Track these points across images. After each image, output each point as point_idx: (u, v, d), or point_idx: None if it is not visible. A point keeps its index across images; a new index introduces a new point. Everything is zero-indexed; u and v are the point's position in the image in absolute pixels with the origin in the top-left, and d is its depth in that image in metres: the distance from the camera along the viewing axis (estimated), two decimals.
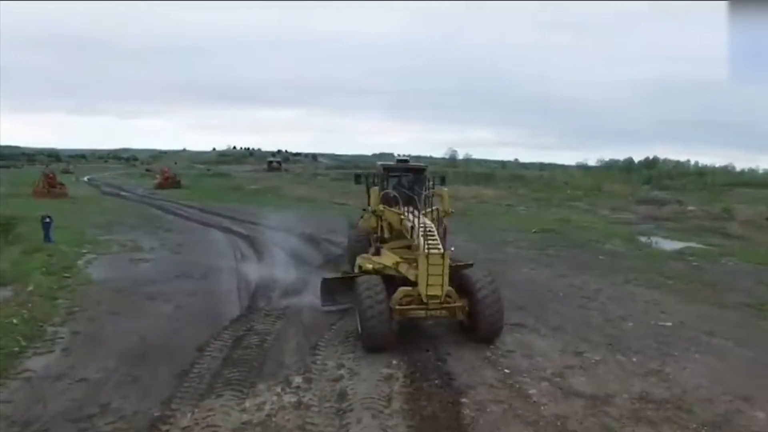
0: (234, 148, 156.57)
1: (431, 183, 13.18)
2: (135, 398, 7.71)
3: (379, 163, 14.51)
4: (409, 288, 9.89)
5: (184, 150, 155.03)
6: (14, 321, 10.26)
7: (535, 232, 23.65)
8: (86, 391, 7.93)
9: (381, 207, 12.60)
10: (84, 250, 17.14)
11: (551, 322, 11.43)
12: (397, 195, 12.55)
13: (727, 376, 9.04)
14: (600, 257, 18.73)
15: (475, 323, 9.87)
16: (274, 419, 7.26)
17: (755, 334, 11.26)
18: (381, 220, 12.92)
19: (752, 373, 9.28)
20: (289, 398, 7.85)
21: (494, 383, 8.44)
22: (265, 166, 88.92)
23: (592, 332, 10.92)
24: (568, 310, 12.37)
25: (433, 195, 12.44)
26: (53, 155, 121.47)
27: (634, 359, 9.66)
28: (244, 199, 39.77)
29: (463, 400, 7.91)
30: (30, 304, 11.32)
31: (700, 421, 7.53)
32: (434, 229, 10.38)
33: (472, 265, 12.63)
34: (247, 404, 7.63)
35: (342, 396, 7.95)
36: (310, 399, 7.85)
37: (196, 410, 7.38)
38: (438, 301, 9.57)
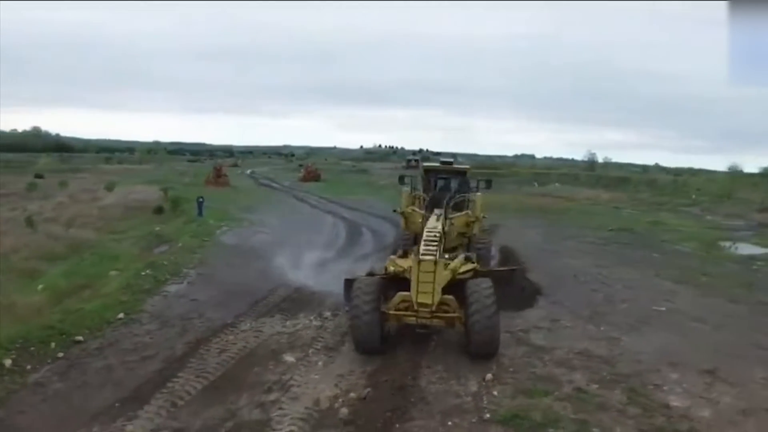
0: (379, 146, 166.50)
1: (476, 186, 14.09)
2: (221, 312, 11.85)
3: (422, 164, 15.55)
4: (407, 293, 9.52)
5: (335, 147, 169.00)
6: (164, 263, 15.34)
7: (610, 230, 24.34)
8: (194, 306, 12.36)
9: (409, 209, 12.97)
10: (223, 224, 22.69)
11: (554, 298, 13.38)
12: (435, 197, 13.08)
13: (675, 349, 10.43)
14: (654, 255, 19.39)
15: (468, 337, 9.44)
16: (299, 332, 10.87)
17: (743, 323, 12.12)
18: (409, 222, 13.08)
19: (702, 349, 10.47)
20: (315, 323, 11.42)
21: None
22: (404, 163, 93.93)
23: (583, 308, 12.72)
24: (579, 291, 14.13)
25: (465, 199, 13.01)
26: (228, 151, 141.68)
27: (602, 328, 11.46)
28: (371, 193, 44.32)
29: (435, 337, 10.70)
30: (176, 255, 16.44)
31: (614, 372, 9.37)
32: (439, 234, 10.31)
33: (514, 270, 13.23)
34: (287, 323, 11.37)
35: None
36: (329, 325, 11.32)
37: (254, 322, 11.29)
38: (428, 309, 9.30)
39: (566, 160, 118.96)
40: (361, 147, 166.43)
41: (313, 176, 55.71)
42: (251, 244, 19.15)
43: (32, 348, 9.51)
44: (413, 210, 12.95)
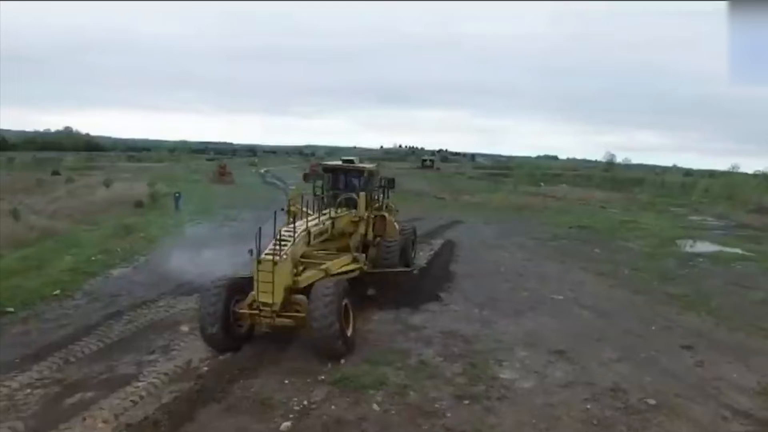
0: (400, 146, 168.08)
1: (380, 185, 14.55)
2: (147, 291, 13.30)
3: (321, 163, 15.45)
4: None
5: (355, 147, 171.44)
6: (119, 250, 16.92)
7: (570, 228, 25.01)
8: (129, 286, 13.85)
9: (293, 207, 12.74)
10: (196, 218, 24.29)
11: (461, 286, 14.40)
12: (333, 196, 13.48)
13: (542, 332, 11.26)
14: (596, 250, 20.06)
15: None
16: None
17: (630, 312, 12.95)
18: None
19: (569, 332, 11.33)
20: None
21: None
22: (419, 164, 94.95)
23: (482, 296, 13.64)
24: (490, 282, 15.07)
25: (350, 199, 13.28)
26: (252, 150, 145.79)
27: (485, 313, 12.39)
28: None
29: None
30: (135, 244, 18.04)
31: (467, 349, 10.27)
32: (293, 234, 10.29)
33: (410, 271, 13.72)
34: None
35: None
36: None
37: (172, 300, 12.69)
38: (270, 309, 9.37)
39: (590, 161, 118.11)
40: (381, 147, 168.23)
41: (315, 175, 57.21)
42: (211, 235, 20.53)
43: None
44: (299, 209, 12.56)
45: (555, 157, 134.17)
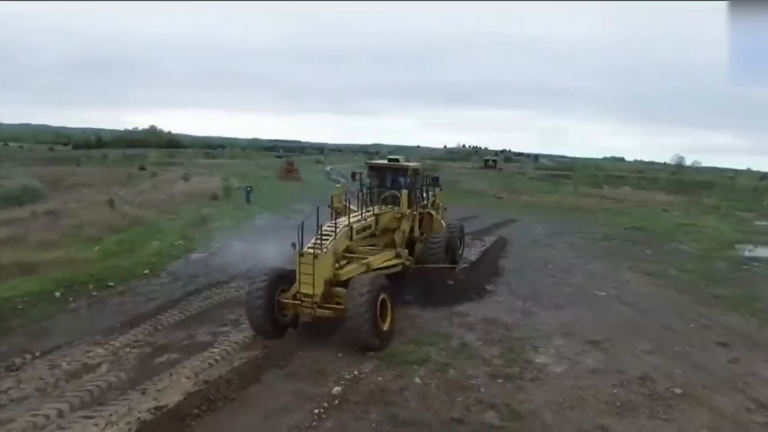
0: (463, 146, 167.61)
1: (425, 182, 14.92)
2: (221, 274, 14.99)
3: (367, 162, 15.91)
4: None
5: (419, 147, 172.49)
6: (196, 237, 18.88)
7: (625, 228, 24.88)
8: (205, 268, 15.64)
9: (340, 204, 13.09)
10: (264, 210, 26.14)
11: (507, 279, 15.15)
12: (377, 193, 13.80)
13: (580, 323, 11.90)
14: (647, 251, 20.01)
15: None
16: None
17: (671, 309, 13.21)
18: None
19: (606, 325, 11.86)
20: None
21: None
22: (482, 164, 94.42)
23: (526, 289, 14.33)
24: (535, 276, 15.69)
25: (393, 196, 13.61)
26: (320, 149, 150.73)
27: (527, 304, 13.09)
28: None
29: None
30: (210, 232, 19.99)
31: (506, 335, 11.10)
32: (335, 229, 10.77)
33: (453, 268, 14.18)
34: None
35: None
36: None
37: (242, 282, 14.23)
38: (311, 300, 9.89)
39: (658, 163, 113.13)
40: (445, 146, 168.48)
41: None
42: (277, 226, 22.19)
43: (76, 287, 13.16)
44: (344, 206, 13.00)
45: (621, 159, 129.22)
